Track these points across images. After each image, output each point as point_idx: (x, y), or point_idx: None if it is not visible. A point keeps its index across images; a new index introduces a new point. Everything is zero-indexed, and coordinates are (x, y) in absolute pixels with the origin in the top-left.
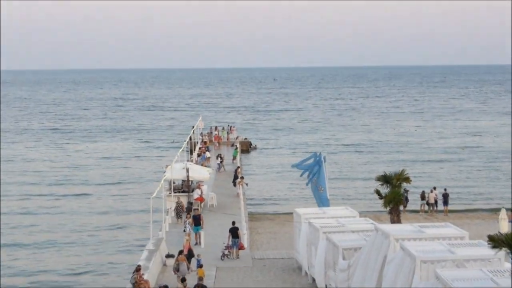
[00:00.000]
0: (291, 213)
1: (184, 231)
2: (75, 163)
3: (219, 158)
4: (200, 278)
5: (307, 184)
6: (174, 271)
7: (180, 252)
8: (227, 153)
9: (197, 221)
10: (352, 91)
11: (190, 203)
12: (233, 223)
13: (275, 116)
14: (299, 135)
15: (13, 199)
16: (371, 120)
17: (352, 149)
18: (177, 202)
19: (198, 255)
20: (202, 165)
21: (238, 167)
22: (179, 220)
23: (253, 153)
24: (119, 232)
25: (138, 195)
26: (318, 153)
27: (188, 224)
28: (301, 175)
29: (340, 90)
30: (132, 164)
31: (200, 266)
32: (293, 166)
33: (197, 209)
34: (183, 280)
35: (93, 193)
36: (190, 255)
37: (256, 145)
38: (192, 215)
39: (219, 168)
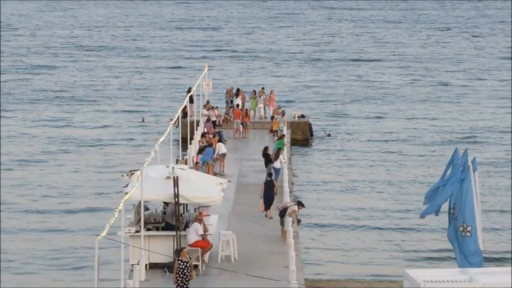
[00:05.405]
0: (399, 280)
1: None
2: None
3: (268, 157)
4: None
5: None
6: None
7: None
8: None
9: None
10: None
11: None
12: None
13: (364, 70)
14: (414, 110)
15: None
16: None
17: None
18: (179, 260)
19: None
20: (207, 170)
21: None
22: None
23: (317, 146)
24: None
25: (70, 234)
26: (461, 152)
27: None
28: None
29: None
30: (57, 168)
31: None
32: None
33: None
34: None
35: None
36: None
37: (329, 133)
38: None
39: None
